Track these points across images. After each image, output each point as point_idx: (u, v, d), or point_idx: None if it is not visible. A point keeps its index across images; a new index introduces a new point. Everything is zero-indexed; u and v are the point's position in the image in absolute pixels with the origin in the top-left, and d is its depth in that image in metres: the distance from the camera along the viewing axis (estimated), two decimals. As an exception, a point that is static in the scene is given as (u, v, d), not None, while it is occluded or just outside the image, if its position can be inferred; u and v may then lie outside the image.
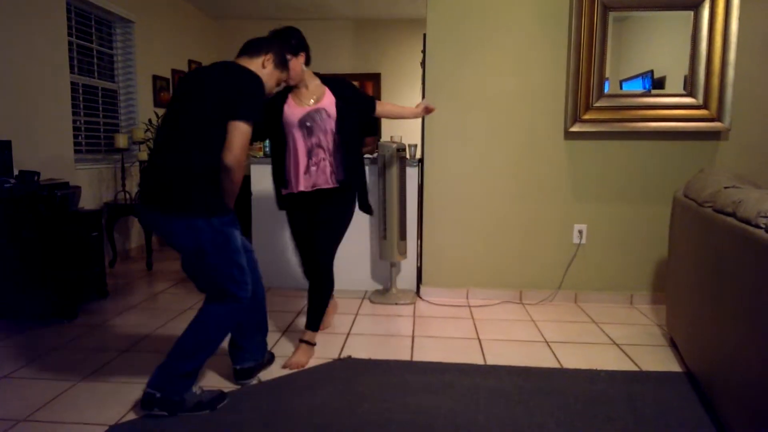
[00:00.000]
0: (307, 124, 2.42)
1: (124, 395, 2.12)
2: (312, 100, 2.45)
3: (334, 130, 2.44)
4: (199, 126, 1.88)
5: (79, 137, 4.37)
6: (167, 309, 3.27)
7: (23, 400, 2.09)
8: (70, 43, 4.13)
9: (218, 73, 1.95)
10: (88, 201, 4.13)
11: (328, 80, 2.53)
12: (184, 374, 1.95)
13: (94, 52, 4.59)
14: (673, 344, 2.71)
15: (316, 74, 2.51)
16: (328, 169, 2.47)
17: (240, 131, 1.85)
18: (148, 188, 1.94)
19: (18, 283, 3.02)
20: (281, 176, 2.53)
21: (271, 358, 2.43)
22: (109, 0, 4.53)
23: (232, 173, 1.88)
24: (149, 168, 1.97)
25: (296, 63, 2.37)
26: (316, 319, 2.53)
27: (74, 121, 4.18)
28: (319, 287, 2.52)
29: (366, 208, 2.67)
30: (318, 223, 2.51)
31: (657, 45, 3.26)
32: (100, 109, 4.68)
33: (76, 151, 4.15)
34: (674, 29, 3.22)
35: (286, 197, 2.56)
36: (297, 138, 2.45)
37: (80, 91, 4.38)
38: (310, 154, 2.46)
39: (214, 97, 1.88)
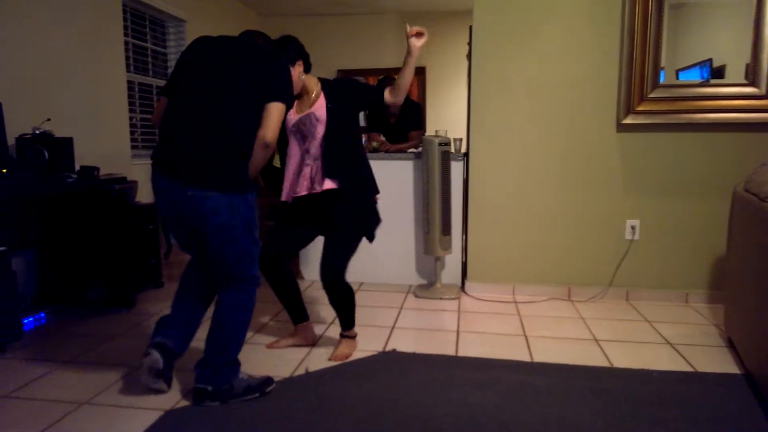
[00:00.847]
0: (302, 129, 2.35)
1: (178, 381, 2.20)
2: (309, 106, 2.37)
3: (321, 135, 2.33)
4: (240, 105, 1.91)
5: (135, 133, 4.55)
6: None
7: (86, 383, 2.21)
8: (126, 43, 4.30)
9: (252, 53, 1.98)
10: (144, 195, 4.29)
11: (327, 83, 2.41)
12: (225, 364, 2.01)
13: (149, 50, 4.76)
14: (731, 345, 2.60)
15: (323, 79, 2.42)
16: (308, 175, 2.35)
17: (278, 110, 1.96)
18: (186, 164, 1.89)
19: (80, 273, 3.18)
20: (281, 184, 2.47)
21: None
22: (162, 0, 4.68)
23: (270, 149, 1.97)
24: (183, 143, 1.91)
25: (293, 73, 2.26)
26: (347, 320, 2.51)
27: (130, 118, 4.35)
28: (333, 298, 2.43)
29: (368, 233, 2.44)
30: (325, 235, 2.41)
31: (716, 32, 3.11)
32: (155, 106, 4.85)
33: (132, 147, 4.32)
34: (735, 15, 3.06)
35: (286, 205, 2.50)
36: (292, 144, 2.41)
37: (136, 89, 4.55)
38: (301, 160, 2.38)
39: (253, 78, 1.92)
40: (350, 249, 2.39)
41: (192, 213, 1.91)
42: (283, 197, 2.45)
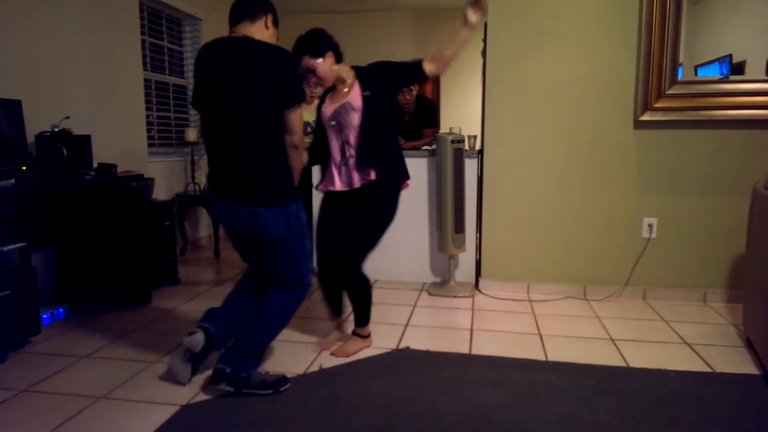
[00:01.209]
0: (339, 120, 2.33)
1: (194, 377, 2.22)
2: (345, 95, 2.34)
3: (358, 124, 2.30)
4: (263, 114, 1.92)
5: (152, 131, 4.59)
6: (233, 296, 3.38)
7: (103, 378, 2.24)
8: (142, 42, 4.34)
9: (258, 57, 1.92)
10: (160, 192, 4.34)
11: (361, 70, 2.37)
12: (250, 354, 2.05)
13: (165, 49, 4.80)
14: (749, 345, 2.56)
15: (356, 67, 2.39)
16: (356, 166, 2.33)
17: (297, 112, 1.99)
18: (231, 183, 1.96)
19: (97, 269, 3.23)
20: (321, 173, 2.48)
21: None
22: (178, -1, 4.72)
23: (300, 150, 2.03)
24: (224, 161, 1.96)
25: (324, 64, 2.25)
26: (360, 316, 2.52)
27: (147, 116, 4.39)
28: (348, 289, 2.46)
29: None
30: (349, 224, 2.40)
31: (736, 27, 3.05)
32: (171, 104, 4.89)
33: (149, 145, 4.37)
34: (755, 10, 3.00)
35: (325, 193, 2.49)
36: (331, 136, 2.39)
37: (153, 87, 4.59)
38: (342, 151, 2.36)
39: (266, 85, 1.90)
40: (375, 241, 2.41)
41: (244, 229, 2.01)
42: (338, 187, 2.39)
